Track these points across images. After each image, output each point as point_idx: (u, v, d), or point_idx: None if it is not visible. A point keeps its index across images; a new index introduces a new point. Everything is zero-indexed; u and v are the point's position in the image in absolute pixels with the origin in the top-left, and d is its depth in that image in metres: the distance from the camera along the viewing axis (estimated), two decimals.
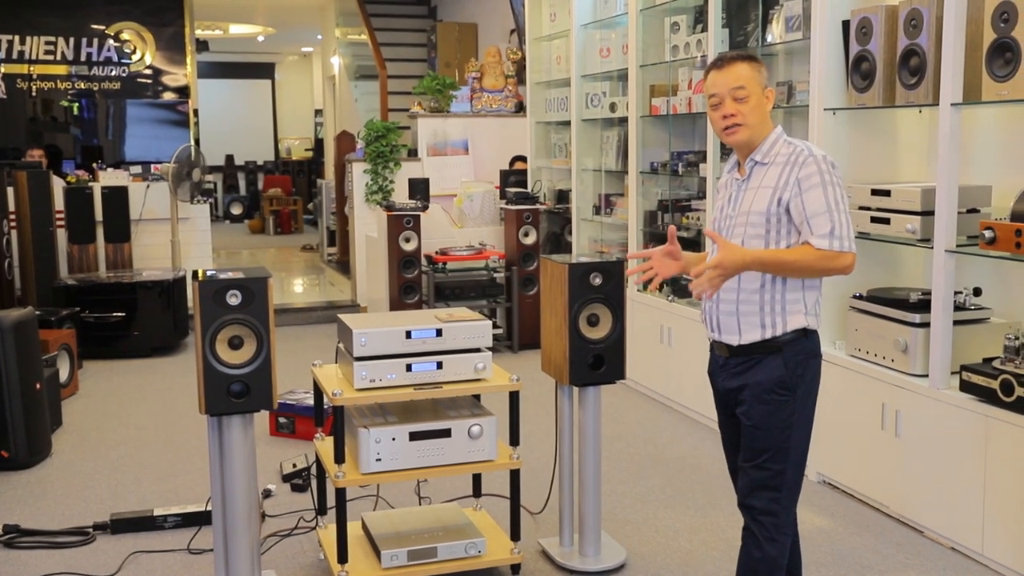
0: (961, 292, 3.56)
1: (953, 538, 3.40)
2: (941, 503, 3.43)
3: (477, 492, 3.62)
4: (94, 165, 8.46)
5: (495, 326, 6.86)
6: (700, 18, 5.13)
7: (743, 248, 2.45)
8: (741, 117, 2.48)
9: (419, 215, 6.51)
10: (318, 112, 17.60)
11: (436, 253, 6.63)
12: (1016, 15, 3.09)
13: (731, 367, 2.56)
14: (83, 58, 10.20)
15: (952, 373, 3.42)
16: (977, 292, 3.58)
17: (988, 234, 3.20)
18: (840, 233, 2.40)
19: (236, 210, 16.43)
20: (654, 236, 5.64)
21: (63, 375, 5.46)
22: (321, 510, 3.44)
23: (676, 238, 2.57)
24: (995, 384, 3.16)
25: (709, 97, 2.53)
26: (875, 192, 3.73)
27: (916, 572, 3.27)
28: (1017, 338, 3.20)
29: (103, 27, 10.22)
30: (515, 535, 3.23)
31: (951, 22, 3.32)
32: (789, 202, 2.44)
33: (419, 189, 6.83)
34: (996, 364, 3.21)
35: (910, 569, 3.29)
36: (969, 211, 3.49)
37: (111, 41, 10.26)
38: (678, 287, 5.24)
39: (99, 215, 7.34)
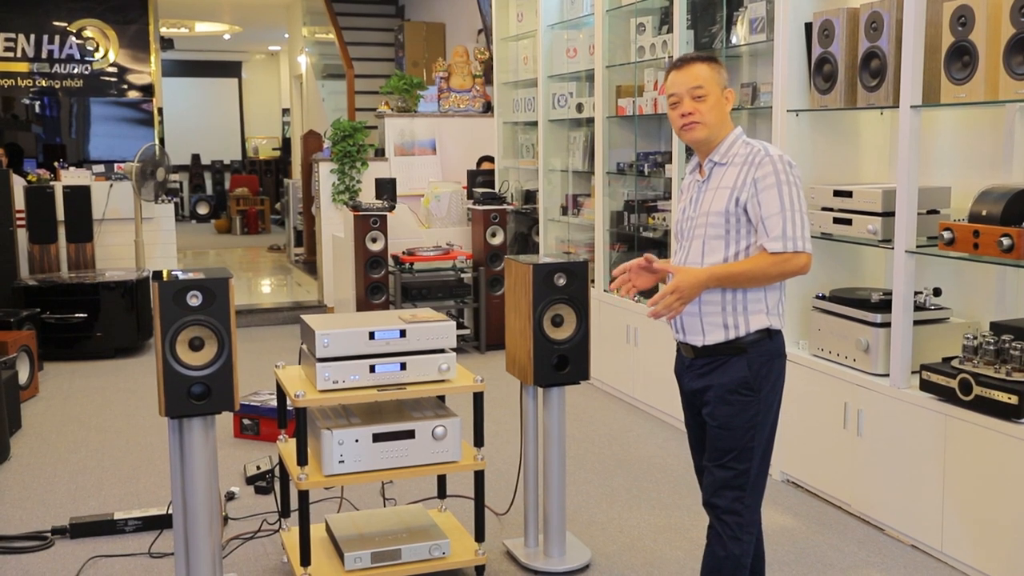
0: (921, 292, 3.60)
1: (913, 536, 3.44)
2: (901, 501, 3.46)
3: (442, 493, 3.61)
4: (56, 164, 8.34)
5: (463, 327, 6.85)
6: (666, 19, 5.16)
7: (697, 269, 2.46)
8: (699, 115, 2.50)
9: (386, 215, 6.48)
10: (285, 111, 17.49)
11: (403, 253, 6.61)
12: (973, 19, 3.13)
13: (696, 368, 2.57)
14: (44, 55, 10.03)
15: (912, 372, 3.46)
16: (937, 292, 3.62)
17: (947, 235, 3.24)
18: (793, 234, 2.42)
19: (202, 210, 16.27)
20: (621, 236, 5.65)
21: (22, 377, 5.38)
22: (284, 512, 3.41)
23: (650, 260, 2.54)
24: (954, 383, 3.19)
25: (669, 96, 2.56)
26: (837, 193, 3.77)
27: (877, 570, 3.30)
28: (975, 338, 3.24)
29: (65, 24, 10.06)
30: (479, 536, 3.22)
31: (911, 25, 3.35)
32: (747, 202, 2.46)
33: (386, 189, 6.80)
34: (955, 364, 3.25)
35: (871, 567, 3.32)
36: (929, 212, 3.54)
37: (73, 38, 10.11)
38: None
39: (61, 215, 7.24)
